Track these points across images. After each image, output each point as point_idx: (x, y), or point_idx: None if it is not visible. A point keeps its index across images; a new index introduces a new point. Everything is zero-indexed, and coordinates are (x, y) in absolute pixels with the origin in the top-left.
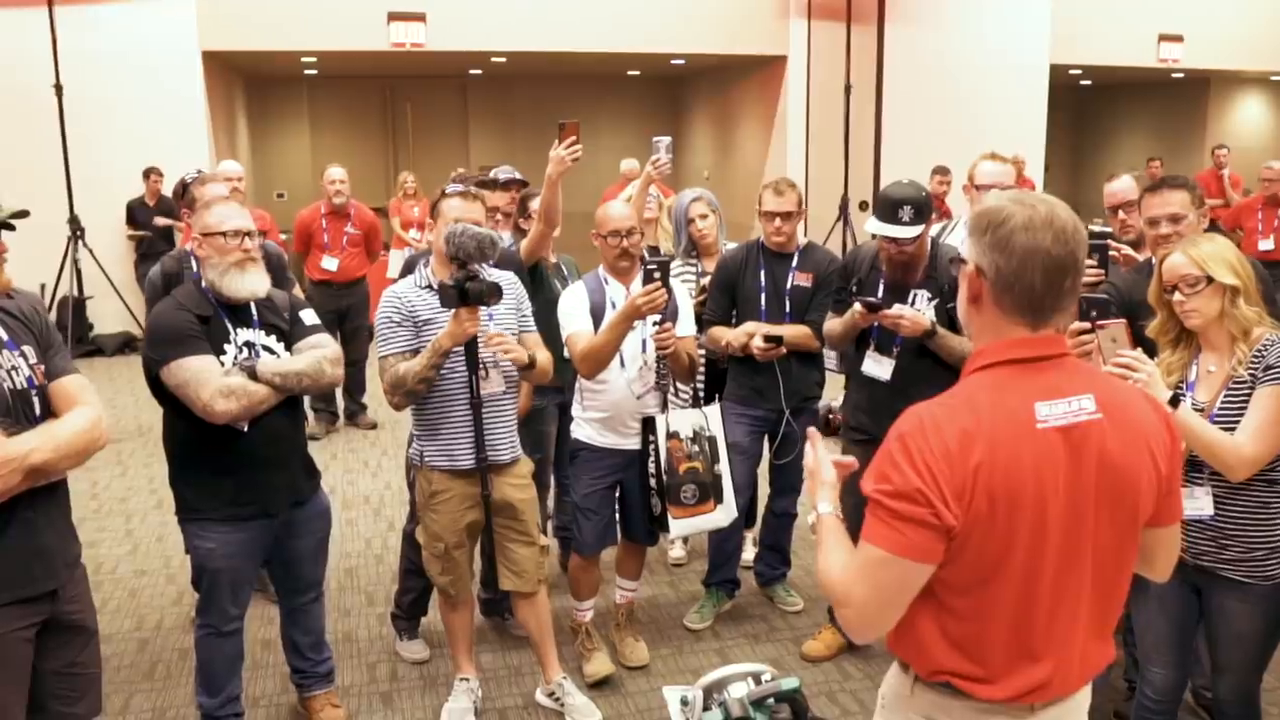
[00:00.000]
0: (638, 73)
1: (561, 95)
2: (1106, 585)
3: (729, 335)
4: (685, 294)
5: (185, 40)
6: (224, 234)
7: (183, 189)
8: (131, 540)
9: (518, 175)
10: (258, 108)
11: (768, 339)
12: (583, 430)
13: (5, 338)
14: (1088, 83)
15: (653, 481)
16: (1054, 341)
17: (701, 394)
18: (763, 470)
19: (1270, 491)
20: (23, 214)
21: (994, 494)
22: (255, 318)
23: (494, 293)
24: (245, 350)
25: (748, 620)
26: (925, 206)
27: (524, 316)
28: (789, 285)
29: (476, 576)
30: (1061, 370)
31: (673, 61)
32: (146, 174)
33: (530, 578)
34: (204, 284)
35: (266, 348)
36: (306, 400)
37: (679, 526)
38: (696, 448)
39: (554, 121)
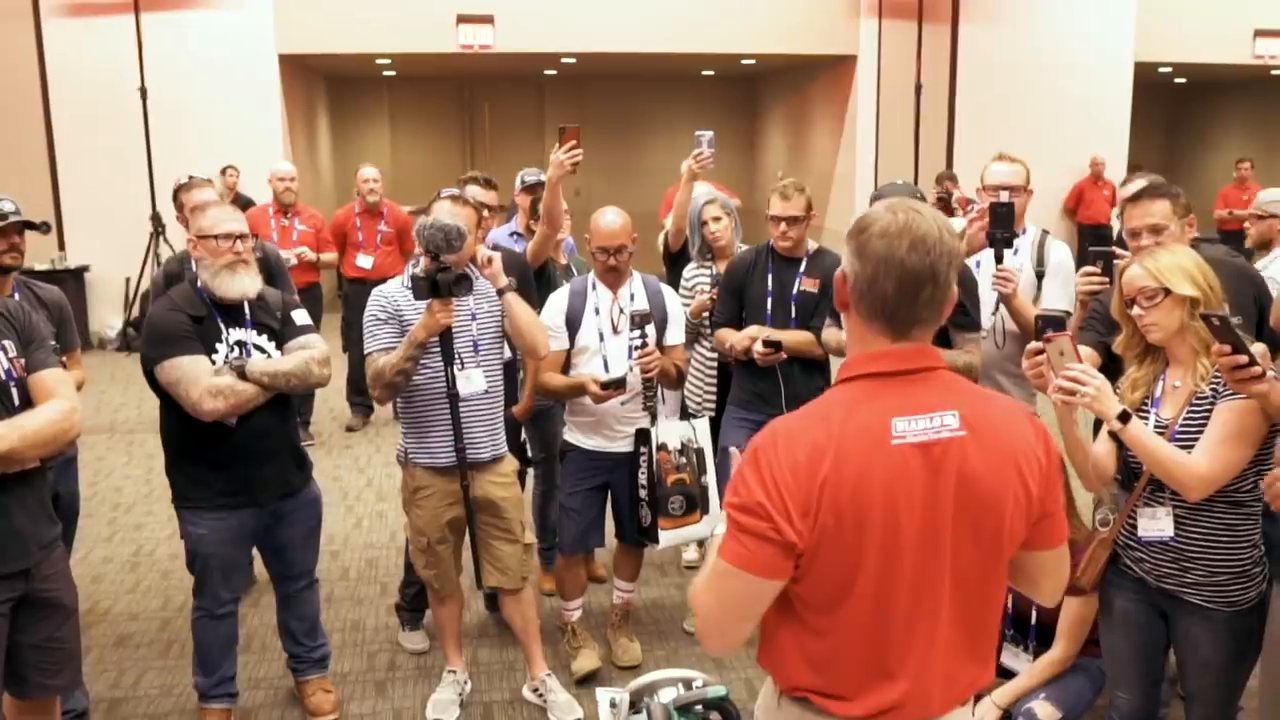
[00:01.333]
0: (711, 73)
1: (635, 96)
2: (972, 607)
3: (732, 339)
4: (676, 301)
5: (263, 44)
6: (216, 237)
7: (175, 193)
8: (172, 525)
9: (543, 178)
10: (340, 109)
11: (767, 344)
12: (571, 433)
13: None
14: (1181, 80)
15: (643, 493)
16: (920, 354)
17: (707, 399)
18: None
19: (1234, 513)
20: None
21: (841, 510)
22: (248, 317)
23: (463, 283)
24: (237, 349)
25: None
26: None
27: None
28: (795, 290)
29: (469, 571)
30: (928, 385)
31: (743, 62)
32: (222, 171)
33: (514, 574)
34: (199, 285)
35: (258, 347)
36: (345, 393)
37: (668, 537)
38: (684, 459)
39: (630, 121)
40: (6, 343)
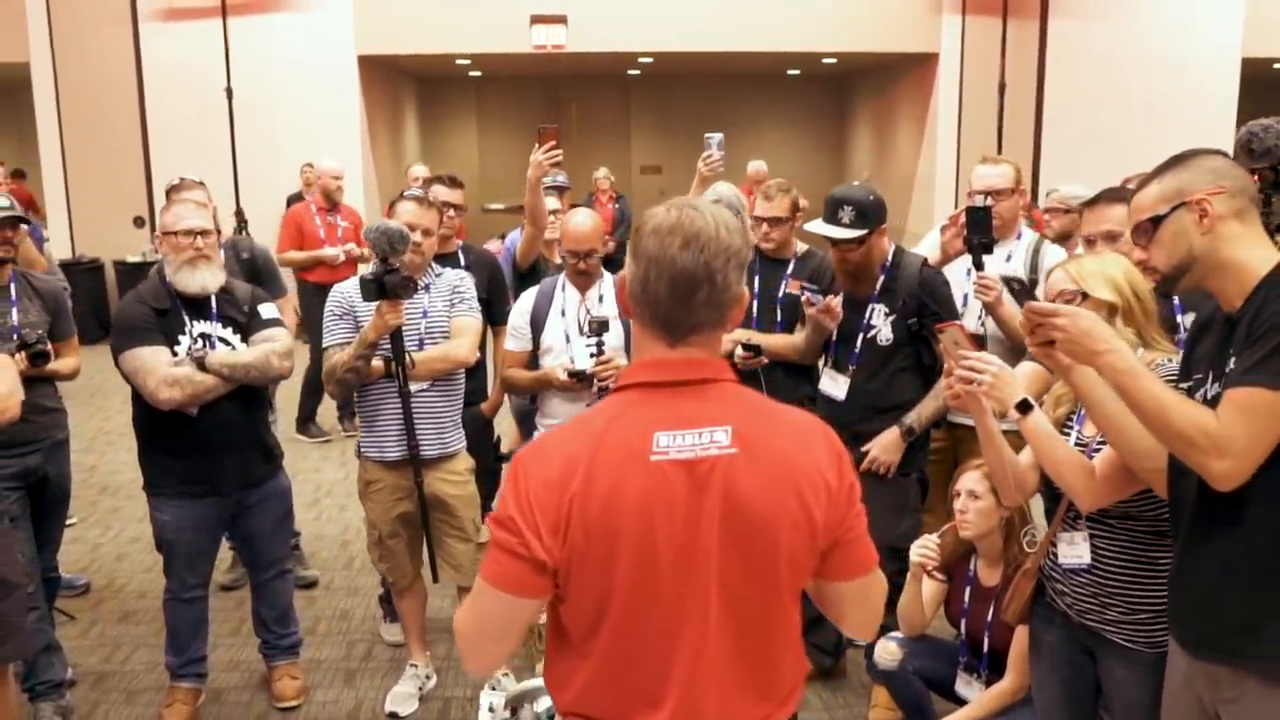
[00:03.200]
0: (797, 72)
1: (721, 95)
2: (753, 638)
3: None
4: None
5: (342, 45)
6: (177, 233)
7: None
8: None
9: (560, 181)
10: (429, 109)
11: (747, 348)
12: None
13: None
14: None
15: None
16: (698, 365)
17: None
18: None
19: (1157, 545)
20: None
21: (590, 527)
22: (214, 310)
23: (407, 286)
24: (201, 341)
25: None
26: (871, 210)
27: (458, 305)
28: (782, 293)
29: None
30: (702, 398)
31: (824, 61)
32: (302, 169)
33: (467, 572)
34: (165, 279)
35: (222, 339)
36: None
37: None
38: None
39: (715, 121)
40: None
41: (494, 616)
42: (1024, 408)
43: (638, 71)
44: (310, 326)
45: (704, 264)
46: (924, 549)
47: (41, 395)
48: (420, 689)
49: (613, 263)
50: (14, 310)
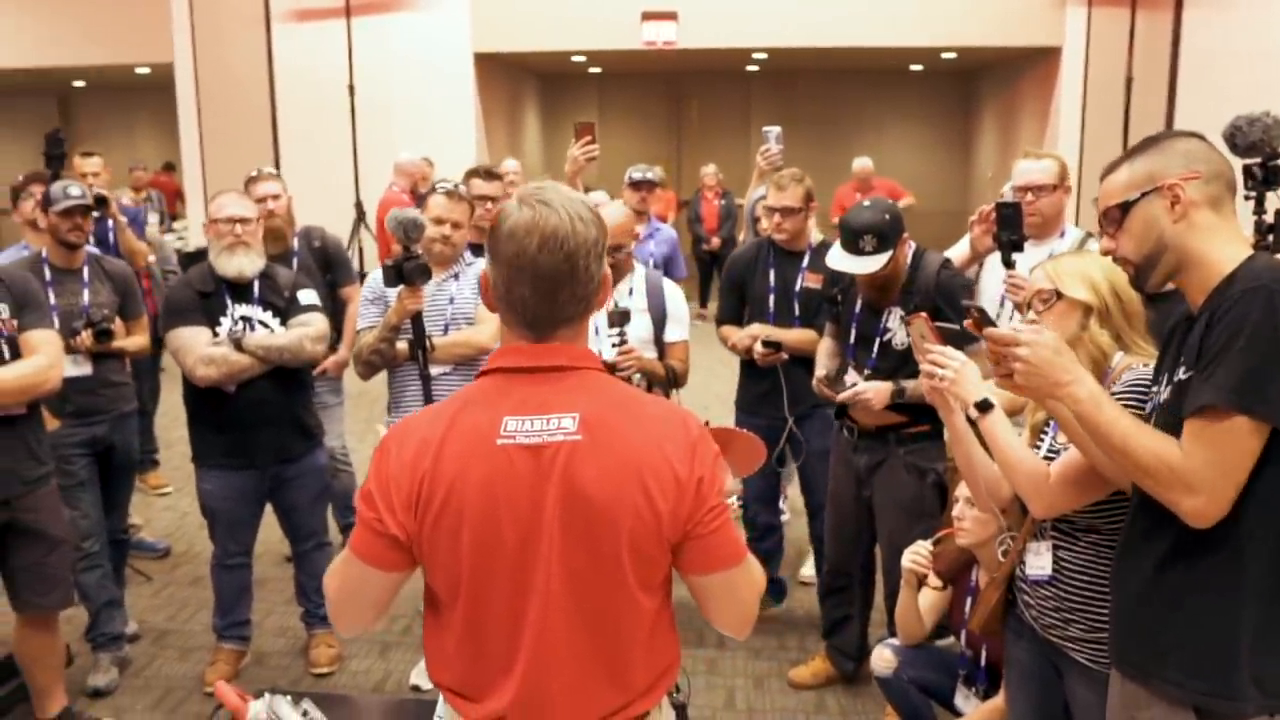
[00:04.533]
0: (920, 68)
1: (844, 91)
2: (602, 625)
3: (734, 337)
4: (679, 298)
5: (459, 43)
6: (219, 220)
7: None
8: None
9: (651, 175)
10: (551, 106)
11: (766, 344)
12: None
13: None
14: None
15: None
16: (555, 352)
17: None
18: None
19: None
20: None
21: (437, 506)
22: (256, 295)
23: (424, 273)
24: (241, 323)
25: (757, 635)
26: (890, 230)
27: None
28: (798, 286)
29: None
30: (556, 385)
31: (943, 56)
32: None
33: None
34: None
35: (262, 322)
36: None
37: None
38: None
39: (837, 118)
40: (2, 305)
41: (356, 585)
42: (983, 407)
43: (757, 68)
44: None
45: (564, 260)
46: (916, 555)
47: (109, 370)
48: None
49: (718, 259)
50: (85, 290)
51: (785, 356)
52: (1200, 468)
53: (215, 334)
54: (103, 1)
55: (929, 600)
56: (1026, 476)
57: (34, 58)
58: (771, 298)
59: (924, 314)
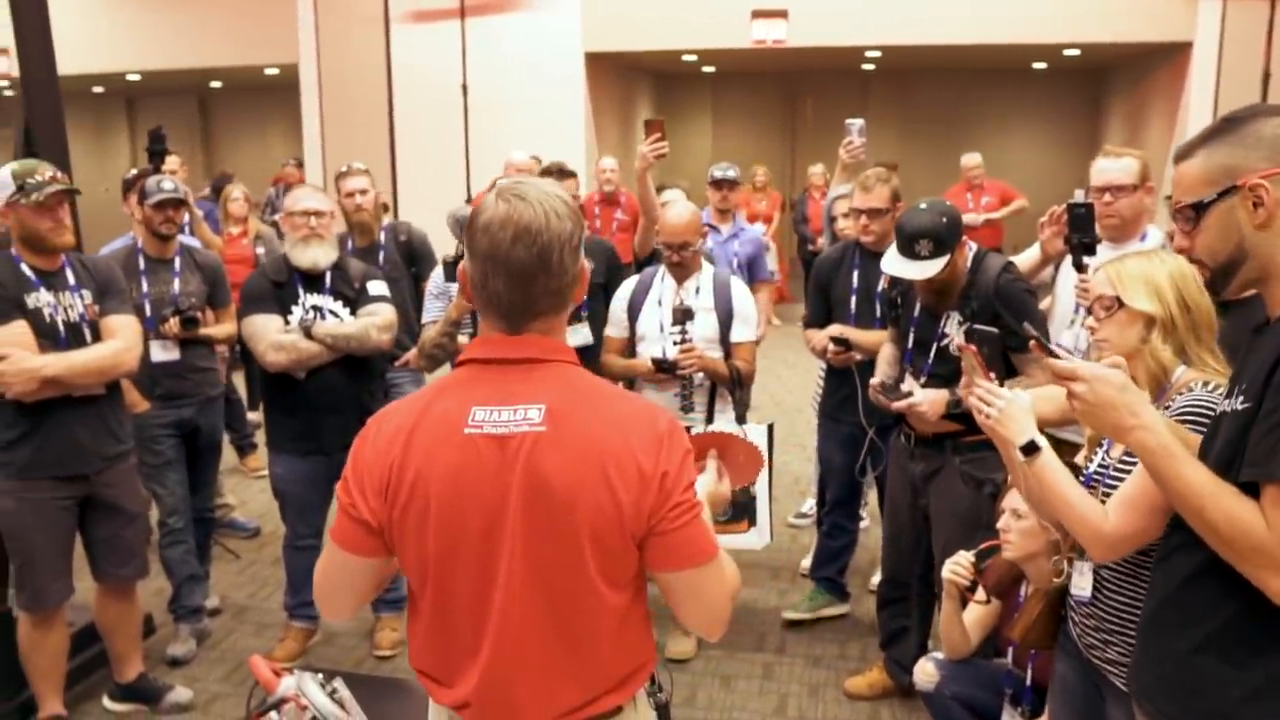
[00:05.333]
0: (1043, 65)
1: (964, 90)
2: (568, 619)
3: (815, 338)
4: (747, 298)
5: (570, 43)
6: (295, 213)
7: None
8: None
9: (733, 174)
10: (664, 105)
11: (837, 342)
12: None
13: (72, 282)
14: None
15: None
16: (527, 344)
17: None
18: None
19: None
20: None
21: (406, 493)
22: (328, 285)
23: None
24: (312, 313)
25: (819, 641)
26: (947, 234)
27: None
28: (880, 288)
29: None
30: (526, 377)
31: (1065, 53)
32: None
33: None
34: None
35: (332, 311)
36: None
37: None
38: None
39: (956, 117)
40: (85, 291)
41: (335, 570)
42: (1029, 450)
43: (873, 66)
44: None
45: (538, 255)
46: (956, 566)
47: (196, 356)
48: None
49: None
50: (176, 280)
51: (857, 357)
52: None
53: (287, 322)
54: (235, 5)
55: (976, 615)
56: (1080, 522)
57: (175, 59)
58: (853, 299)
59: (973, 347)
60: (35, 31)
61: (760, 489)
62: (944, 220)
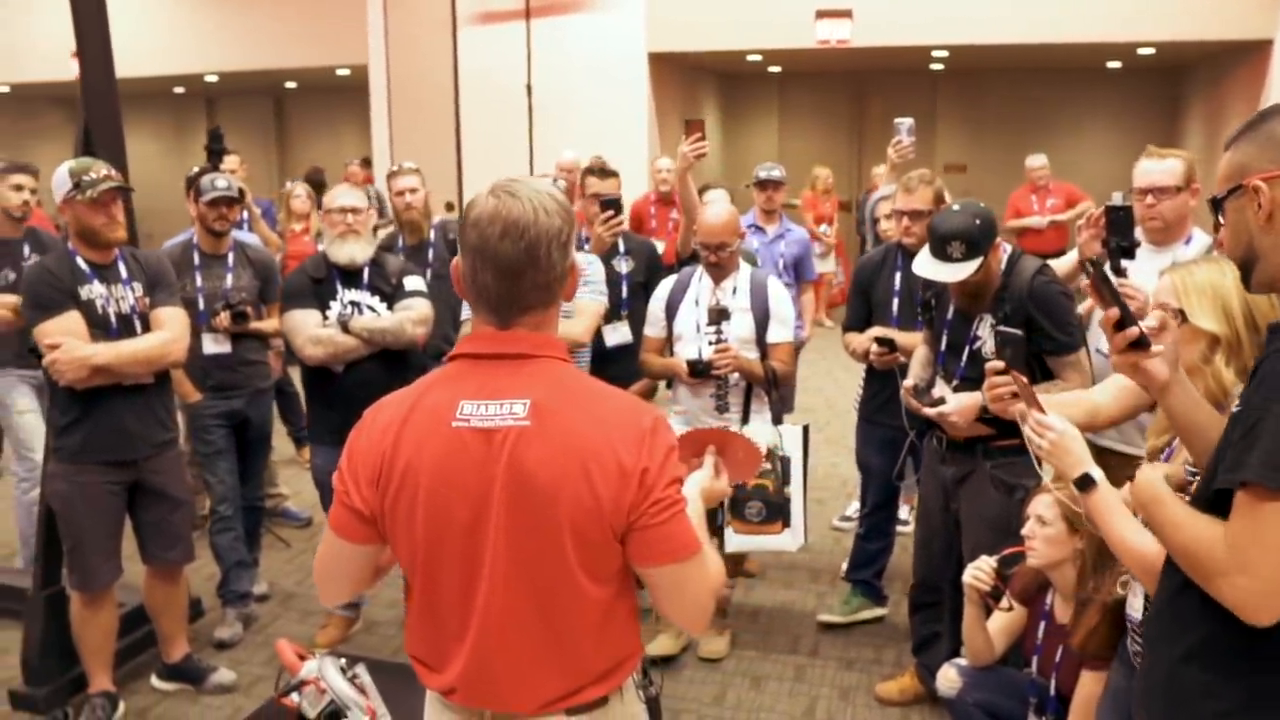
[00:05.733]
0: (1118, 65)
1: (1036, 90)
2: (551, 610)
3: (855, 342)
4: (784, 298)
5: (633, 43)
6: (333, 210)
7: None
8: None
9: (777, 175)
10: (730, 105)
11: (881, 343)
12: (672, 420)
13: (125, 275)
14: None
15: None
16: (517, 340)
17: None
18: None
19: None
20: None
21: (395, 483)
22: (365, 280)
23: None
24: (350, 307)
25: (854, 645)
26: (980, 236)
27: (580, 288)
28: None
29: None
30: (514, 372)
31: (1139, 51)
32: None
33: None
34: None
35: (369, 306)
36: None
37: (737, 542)
38: (769, 465)
39: (1028, 118)
40: (136, 284)
41: (331, 557)
42: (1084, 484)
43: (941, 67)
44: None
45: (525, 250)
46: (978, 572)
47: (247, 350)
48: None
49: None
50: (229, 275)
51: (902, 359)
52: (1249, 547)
53: (325, 317)
54: (308, 7)
55: (1000, 621)
56: (1136, 560)
57: (250, 61)
58: (895, 302)
59: (1024, 378)
60: (95, 37)
61: (795, 491)
62: (977, 222)
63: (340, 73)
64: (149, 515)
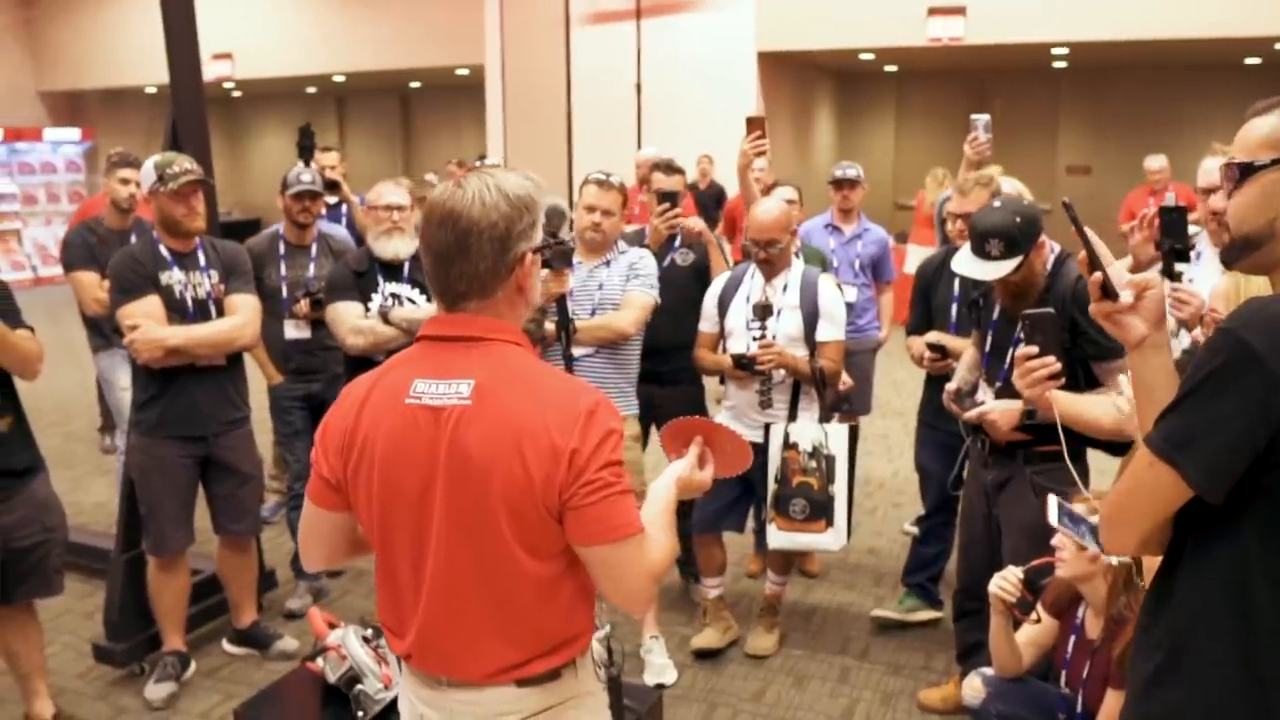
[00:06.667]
0: (1257, 60)
1: (1165, 88)
2: (482, 576)
3: (913, 345)
4: (834, 296)
5: (743, 43)
6: (378, 207)
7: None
8: None
9: (852, 173)
10: (846, 105)
11: (932, 348)
12: (721, 416)
13: (203, 263)
14: None
15: (771, 487)
16: (469, 323)
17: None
18: None
19: None
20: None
21: (356, 454)
22: (406, 274)
23: (562, 258)
24: (391, 300)
25: (906, 650)
26: (1020, 235)
27: (632, 280)
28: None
29: None
30: (465, 354)
31: (1276, 46)
32: (698, 160)
33: None
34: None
35: (409, 298)
36: None
37: (780, 539)
38: (813, 463)
39: (1155, 116)
40: (213, 271)
41: (309, 523)
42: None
43: (1064, 65)
44: None
45: (454, 241)
46: (1004, 581)
47: (325, 335)
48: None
49: None
50: (312, 265)
51: (953, 364)
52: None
53: (367, 309)
54: (430, 9)
55: (1030, 632)
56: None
57: (375, 61)
58: (954, 307)
59: (1061, 500)
60: (182, 40)
61: (839, 490)
62: (1017, 220)
63: (460, 72)
64: (219, 489)
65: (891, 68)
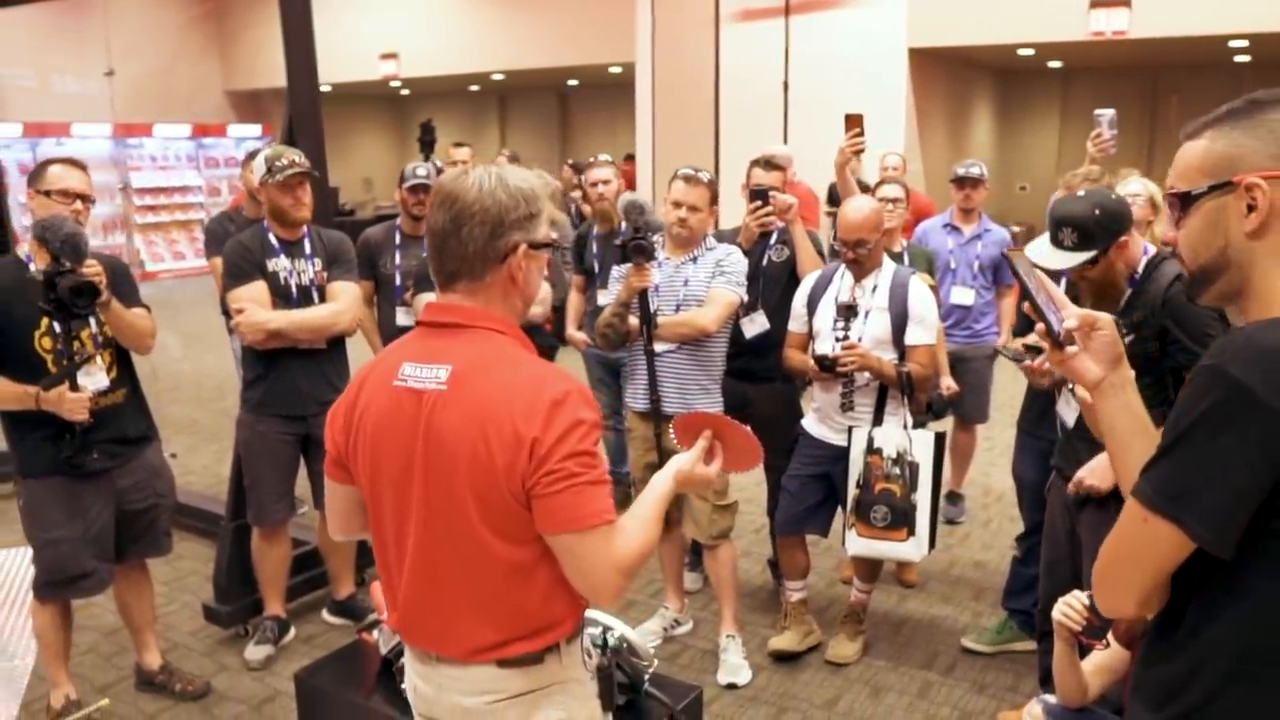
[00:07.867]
0: None
1: None
2: (454, 557)
3: (1010, 348)
4: (925, 299)
5: (893, 40)
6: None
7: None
8: None
9: (975, 171)
10: (1006, 103)
11: (1027, 348)
12: (807, 418)
13: (308, 251)
14: None
15: (852, 492)
16: (455, 311)
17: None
18: None
19: None
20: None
21: (353, 431)
22: None
23: (641, 253)
24: None
25: (994, 669)
26: (1096, 228)
27: (718, 277)
28: (1063, 287)
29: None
30: (452, 339)
31: None
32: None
33: (704, 529)
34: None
35: None
36: None
37: (859, 545)
38: (897, 470)
39: None
40: (317, 259)
41: (328, 495)
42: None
43: (1247, 58)
44: None
45: (449, 221)
46: (1068, 607)
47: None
48: (666, 630)
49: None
50: (424, 255)
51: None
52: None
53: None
54: (585, 8)
55: (1099, 659)
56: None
57: (532, 59)
58: None
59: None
60: (299, 40)
61: (922, 498)
62: (1096, 212)
63: (613, 70)
64: (317, 466)
65: (1055, 64)
